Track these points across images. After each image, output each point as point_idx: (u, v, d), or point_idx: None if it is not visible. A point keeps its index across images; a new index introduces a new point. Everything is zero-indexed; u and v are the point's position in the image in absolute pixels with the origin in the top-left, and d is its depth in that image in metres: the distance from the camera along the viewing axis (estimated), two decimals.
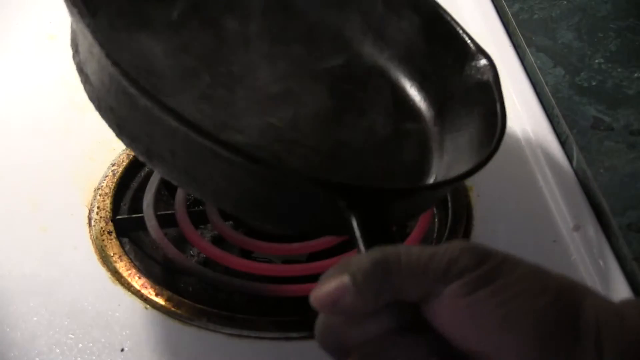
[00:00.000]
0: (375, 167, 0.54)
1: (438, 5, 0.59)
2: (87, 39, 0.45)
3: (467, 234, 0.59)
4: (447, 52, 0.58)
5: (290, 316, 0.54)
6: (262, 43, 0.60)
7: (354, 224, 0.40)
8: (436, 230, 0.61)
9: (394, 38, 0.61)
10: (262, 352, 0.51)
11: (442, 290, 0.32)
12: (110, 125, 0.46)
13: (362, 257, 0.34)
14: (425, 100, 0.59)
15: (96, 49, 0.43)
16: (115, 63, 0.42)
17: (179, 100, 0.48)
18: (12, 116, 0.71)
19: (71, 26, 0.49)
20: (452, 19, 0.59)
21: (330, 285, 0.33)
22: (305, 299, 0.54)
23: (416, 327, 0.33)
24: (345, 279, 0.33)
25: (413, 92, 0.60)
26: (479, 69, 0.55)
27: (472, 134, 0.53)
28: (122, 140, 0.46)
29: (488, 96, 0.53)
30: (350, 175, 0.52)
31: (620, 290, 0.54)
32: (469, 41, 0.57)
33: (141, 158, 0.45)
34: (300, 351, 0.51)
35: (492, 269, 0.32)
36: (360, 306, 0.33)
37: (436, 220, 0.62)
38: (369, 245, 0.38)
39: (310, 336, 0.51)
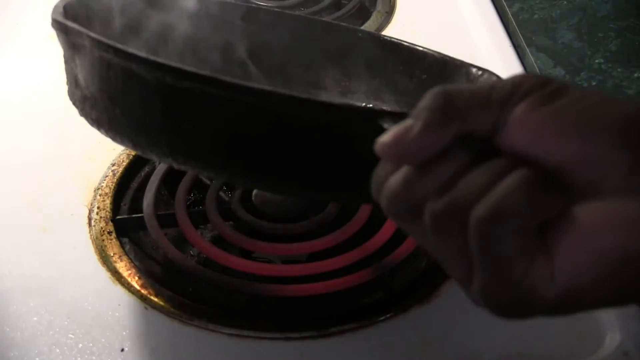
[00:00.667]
0: None
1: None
2: (91, 49, 0.43)
3: None
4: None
5: (290, 316, 0.54)
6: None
7: None
8: None
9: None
10: (262, 352, 0.51)
11: (513, 111, 0.30)
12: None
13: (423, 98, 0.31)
14: None
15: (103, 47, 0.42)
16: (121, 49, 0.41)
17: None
18: (12, 116, 0.71)
19: (65, 62, 0.48)
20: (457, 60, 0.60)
21: (394, 129, 0.31)
22: (305, 299, 0.55)
23: (492, 154, 0.30)
24: (409, 120, 0.30)
25: None
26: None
27: None
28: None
29: None
30: None
31: None
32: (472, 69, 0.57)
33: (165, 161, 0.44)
34: (300, 351, 0.51)
35: (560, 87, 0.30)
36: (428, 141, 0.30)
37: None
38: None
39: (311, 336, 0.52)
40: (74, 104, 0.48)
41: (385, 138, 0.31)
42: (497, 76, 0.57)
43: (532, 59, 0.72)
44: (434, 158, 0.30)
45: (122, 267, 0.57)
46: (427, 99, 0.31)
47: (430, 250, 0.32)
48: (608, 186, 0.29)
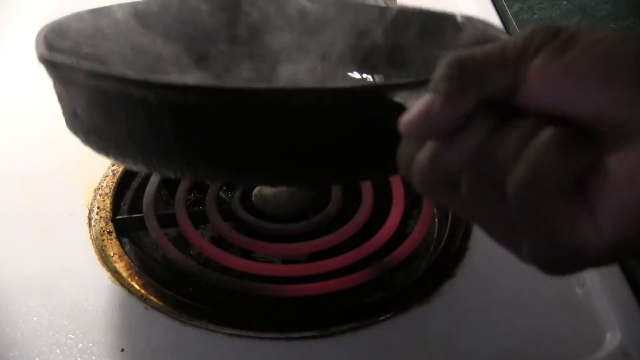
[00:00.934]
0: None
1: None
2: (87, 81, 0.42)
3: (467, 234, 0.59)
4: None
5: (290, 316, 0.54)
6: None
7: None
8: (436, 230, 0.61)
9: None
10: (262, 352, 0.51)
11: (529, 66, 0.30)
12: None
13: (439, 65, 0.31)
14: None
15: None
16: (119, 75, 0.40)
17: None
18: (12, 116, 0.71)
19: (58, 96, 0.48)
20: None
21: (415, 107, 0.31)
22: (305, 299, 0.55)
23: (515, 114, 0.30)
24: (427, 96, 0.30)
25: None
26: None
27: None
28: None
29: None
30: None
31: (620, 290, 0.54)
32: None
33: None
34: (300, 351, 0.51)
35: (572, 34, 0.30)
36: (450, 112, 0.30)
37: (436, 220, 0.62)
38: None
39: (311, 336, 0.52)
40: (76, 134, 0.47)
41: (408, 117, 0.31)
42: (482, 22, 0.56)
43: None
44: (459, 128, 0.30)
45: (122, 267, 0.57)
46: (441, 69, 0.31)
47: (472, 220, 0.32)
48: (635, 129, 0.28)
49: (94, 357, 0.51)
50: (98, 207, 0.61)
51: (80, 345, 0.51)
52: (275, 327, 0.52)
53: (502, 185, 0.29)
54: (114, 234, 0.59)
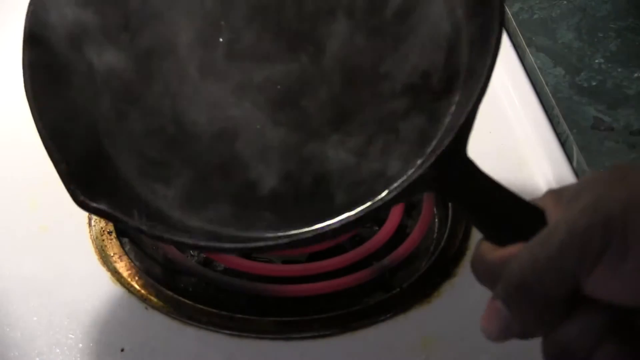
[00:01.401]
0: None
1: None
2: None
3: (467, 234, 0.59)
4: None
5: (290, 316, 0.54)
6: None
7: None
8: (436, 230, 0.61)
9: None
10: (262, 352, 0.51)
11: (587, 277, 0.33)
12: None
13: (501, 283, 0.35)
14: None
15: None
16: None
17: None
18: (12, 116, 0.71)
19: None
20: None
21: (492, 316, 0.36)
22: (305, 299, 0.55)
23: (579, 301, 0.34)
24: (502, 309, 0.36)
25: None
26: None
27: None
28: None
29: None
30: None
31: None
32: None
33: None
34: (300, 351, 0.51)
35: (624, 237, 0.32)
36: (527, 326, 0.36)
37: (436, 220, 0.62)
38: (479, 219, 0.39)
39: (311, 336, 0.52)
40: None
41: (489, 333, 0.37)
42: None
43: (532, 59, 0.72)
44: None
45: (122, 267, 0.57)
46: (507, 287, 0.35)
47: None
48: None
49: (94, 357, 0.50)
50: None
51: (80, 345, 0.51)
52: (275, 327, 0.52)
53: None
54: (114, 234, 0.59)
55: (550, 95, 0.68)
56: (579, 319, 0.34)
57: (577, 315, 0.34)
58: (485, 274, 0.37)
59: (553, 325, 0.35)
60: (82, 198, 0.44)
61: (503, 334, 0.36)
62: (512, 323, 0.35)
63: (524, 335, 0.36)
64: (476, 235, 0.59)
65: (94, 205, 0.44)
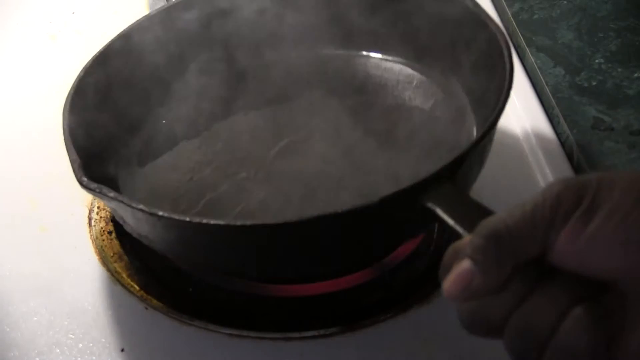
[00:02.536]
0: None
1: None
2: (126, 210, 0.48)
3: None
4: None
5: (290, 316, 0.54)
6: None
7: (441, 213, 0.42)
8: (436, 230, 0.61)
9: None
10: (262, 352, 0.51)
11: (557, 237, 0.33)
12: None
13: (472, 237, 0.35)
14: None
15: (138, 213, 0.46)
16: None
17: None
18: (12, 116, 0.71)
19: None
20: None
21: (455, 274, 0.35)
22: (305, 299, 0.55)
23: (546, 276, 0.34)
24: (466, 264, 0.35)
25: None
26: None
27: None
28: None
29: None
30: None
31: None
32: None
33: None
34: (300, 351, 0.51)
35: (595, 198, 0.33)
36: (490, 283, 0.34)
37: None
38: (462, 220, 0.40)
39: (311, 336, 0.52)
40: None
41: (449, 284, 0.35)
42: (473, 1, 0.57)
43: (532, 59, 0.72)
44: (496, 290, 0.35)
45: (122, 267, 0.57)
46: (477, 239, 0.35)
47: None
48: None
49: (94, 357, 0.51)
50: (98, 207, 0.61)
51: (80, 345, 0.51)
52: (275, 327, 0.52)
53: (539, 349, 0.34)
54: (114, 234, 0.59)
55: (550, 95, 0.68)
56: (542, 290, 0.34)
57: (540, 287, 0.34)
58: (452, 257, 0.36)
59: (516, 293, 0.34)
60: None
61: (465, 292, 0.35)
62: (476, 279, 0.34)
63: (486, 292, 0.35)
64: None
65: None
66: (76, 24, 0.81)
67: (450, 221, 0.41)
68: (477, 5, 0.57)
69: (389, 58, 0.65)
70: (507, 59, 0.52)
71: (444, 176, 0.44)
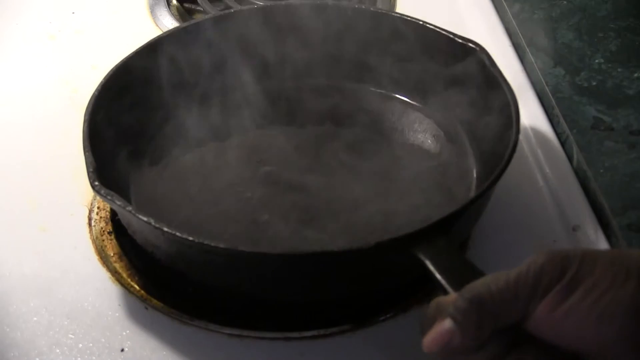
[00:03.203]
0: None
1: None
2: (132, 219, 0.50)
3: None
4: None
5: (290, 316, 0.54)
6: None
7: (430, 266, 0.44)
8: None
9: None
10: (262, 352, 0.51)
11: (536, 307, 0.36)
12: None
13: (456, 297, 0.38)
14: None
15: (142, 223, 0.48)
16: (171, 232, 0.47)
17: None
18: (12, 116, 0.71)
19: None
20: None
21: (436, 332, 0.37)
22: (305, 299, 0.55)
23: (522, 340, 0.37)
24: (447, 323, 0.37)
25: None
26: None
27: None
28: None
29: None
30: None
31: None
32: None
33: None
34: (300, 351, 0.51)
35: (576, 273, 0.35)
36: (467, 342, 0.37)
37: None
38: (449, 278, 0.42)
39: (311, 336, 0.52)
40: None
41: (429, 342, 0.38)
42: (481, 47, 0.60)
43: (532, 59, 0.72)
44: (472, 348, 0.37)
45: (122, 267, 0.57)
46: (461, 302, 0.37)
47: None
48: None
49: (94, 357, 0.51)
50: (98, 207, 0.61)
51: (80, 345, 0.51)
52: (275, 327, 0.52)
53: None
54: (114, 234, 0.59)
55: (550, 95, 0.68)
56: (517, 356, 0.36)
57: (515, 352, 0.36)
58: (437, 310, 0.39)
59: (492, 354, 0.36)
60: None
61: (444, 349, 0.37)
62: (455, 338, 0.37)
63: (464, 351, 0.37)
64: (476, 235, 0.59)
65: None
66: (76, 24, 0.81)
67: (438, 276, 0.43)
68: (494, 64, 0.59)
69: (404, 99, 0.67)
70: (514, 125, 0.54)
71: (438, 229, 0.46)
